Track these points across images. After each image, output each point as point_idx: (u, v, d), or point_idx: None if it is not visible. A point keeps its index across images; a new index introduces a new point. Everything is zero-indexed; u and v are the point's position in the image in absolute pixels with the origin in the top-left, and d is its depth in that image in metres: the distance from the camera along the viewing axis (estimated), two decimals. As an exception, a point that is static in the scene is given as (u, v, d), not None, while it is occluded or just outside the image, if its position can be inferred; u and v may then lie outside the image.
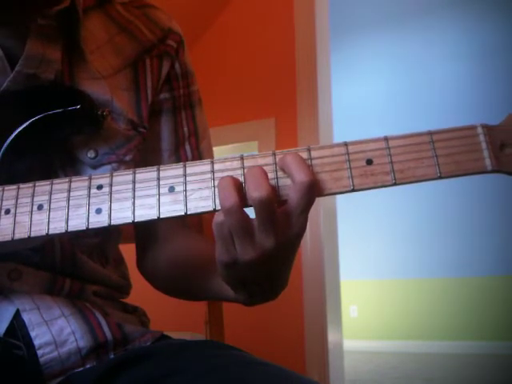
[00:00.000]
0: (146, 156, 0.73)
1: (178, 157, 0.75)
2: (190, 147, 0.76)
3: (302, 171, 0.47)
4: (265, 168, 0.48)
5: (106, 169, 0.66)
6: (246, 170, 0.48)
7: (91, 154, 0.64)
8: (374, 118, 5.27)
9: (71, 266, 0.64)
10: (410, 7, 5.20)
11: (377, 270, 5.39)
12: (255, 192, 0.46)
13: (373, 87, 5.46)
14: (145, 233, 0.76)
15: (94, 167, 0.65)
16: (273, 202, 0.46)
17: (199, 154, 0.77)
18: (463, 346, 4.89)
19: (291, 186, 0.47)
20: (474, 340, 4.89)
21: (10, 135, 0.57)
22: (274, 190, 0.47)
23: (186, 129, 0.76)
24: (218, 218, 0.48)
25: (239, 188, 0.47)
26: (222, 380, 0.52)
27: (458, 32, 5.15)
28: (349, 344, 4.42)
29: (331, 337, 2.35)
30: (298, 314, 2.37)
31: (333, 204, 2.51)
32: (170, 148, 0.75)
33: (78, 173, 0.64)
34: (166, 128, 0.75)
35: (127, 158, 0.68)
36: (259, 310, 2.75)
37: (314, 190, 0.47)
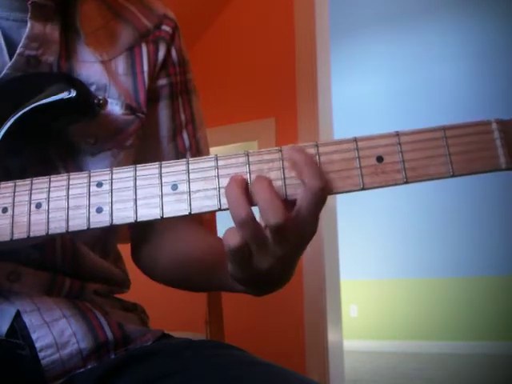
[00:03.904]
0: (144, 142, 0.73)
1: (176, 145, 0.75)
2: (188, 135, 0.76)
3: (315, 176, 0.45)
4: (270, 165, 0.47)
5: (106, 155, 0.65)
6: (255, 188, 0.46)
7: (91, 140, 0.64)
8: (374, 118, 5.27)
9: (72, 259, 0.64)
10: (410, 7, 5.20)
11: (377, 270, 5.39)
12: (272, 219, 0.45)
13: (373, 87, 5.46)
14: (142, 224, 0.75)
15: (94, 154, 0.64)
16: (285, 222, 0.45)
17: (196, 143, 0.77)
18: (463, 346, 4.89)
19: (302, 192, 0.46)
20: (474, 340, 4.89)
21: (4, 125, 0.55)
22: (286, 212, 0.46)
23: (183, 116, 0.76)
24: (233, 241, 0.47)
25: (247, 193, 0.47)
26: (223, 380, 0.52)
27: (457, 32, 5.15)
28: (349, 344, 4.41)
29: (331, 337, 2.35)
30: (297, 314, 2.37)
31: (333, 204, 2.51)
32: (168, 135, 0.75)
33: (76, 161, 0.63)
34: (163, 114, 0.75)
35: (127, 143, 0.68)
36: (259, 309, 2.74)
37: (325, 194, 0.46)
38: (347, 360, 2.82)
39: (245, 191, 0.46)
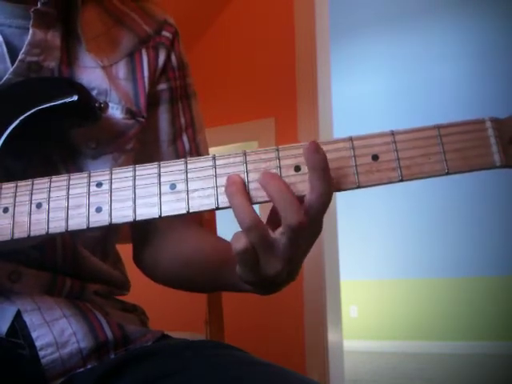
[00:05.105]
0: (145, 146, 0.73)
1: (176, 148, 0.76)
2: (188, 139, 0.77)
3: (327, 183, 0.46)
4: (268, 164, 0.48)
5: (107, 159, 0.66)
6: (270, 187, 0.46)
7: (92, 144, 0.65)
8: (374, 118, 5.27)
9: (72, 261, 0.64)
10: (410, 7, 5.20)
11: (377, 270, 5.39)
12: (294, 219, 0.46)
13: (373, 87, 5.46)
14: (144, 225, 0.75)
15: (95, 157, 0.65)
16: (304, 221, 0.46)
17: (196, 146, 0.77)
18: (463, 346, 4.89)
19: (311, 195, 0.46)
20: (474, 340, 4.89)
21: (7, 129, 0.56)
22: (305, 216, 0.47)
23: (183, 120, 0.77)
24: (239, 244, 0.48)
25: (249, 196, 0.47)
26: (223, 380, 0.53)
27: (457, 32, 5.16)
28: (349, 344, 4.42)
29: (331, 337, 2.35)
30: (298, 314, 2.37)
31: (333, 204, 2.51)
32: (168, 139, 0.75)
33: (78, 164, 0.64)
34: (163, 118, 0.75)
35: (128, 147, 0.68)
36: (259, 309, 2.74)
37: (331, 195, 0.47)
38: (347, 360, 2.82)
39: (247, 196, 0.47)
